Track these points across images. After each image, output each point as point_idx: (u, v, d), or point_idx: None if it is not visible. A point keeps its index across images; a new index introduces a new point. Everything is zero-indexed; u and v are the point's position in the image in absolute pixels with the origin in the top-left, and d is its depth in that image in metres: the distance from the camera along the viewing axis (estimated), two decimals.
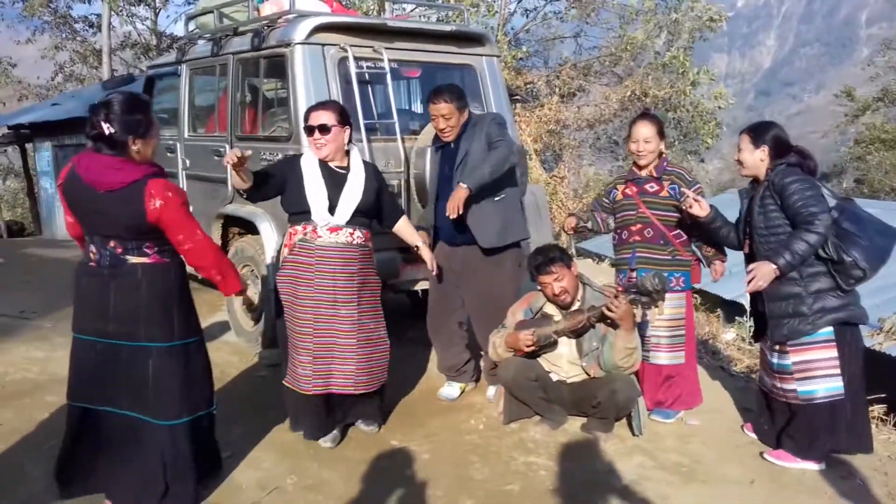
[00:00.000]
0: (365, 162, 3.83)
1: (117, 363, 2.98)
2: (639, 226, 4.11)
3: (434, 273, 4.08)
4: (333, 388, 3.68)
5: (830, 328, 3.56)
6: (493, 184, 3.96)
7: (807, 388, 3.62)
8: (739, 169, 3.81)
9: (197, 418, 3.11)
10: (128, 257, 2.91)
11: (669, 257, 4.08)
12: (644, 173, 4.12)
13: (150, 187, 2.81)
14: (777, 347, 3.69)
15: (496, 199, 4.09)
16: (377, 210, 3.82)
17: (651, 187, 4.10)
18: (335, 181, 3.64)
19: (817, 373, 3.60)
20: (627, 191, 4.17)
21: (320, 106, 3.71)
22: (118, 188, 2.80)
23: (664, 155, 4.15)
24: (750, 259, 3.79)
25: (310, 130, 3.62)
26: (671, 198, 4.05)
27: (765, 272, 3.51)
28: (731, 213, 4.02)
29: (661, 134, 4.10)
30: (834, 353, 3.58)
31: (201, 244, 2.99)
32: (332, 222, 3.61)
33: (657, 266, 4.03)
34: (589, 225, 4.34)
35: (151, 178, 2.84)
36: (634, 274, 4.05)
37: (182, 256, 3.03)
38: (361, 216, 3.68)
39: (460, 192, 3.83)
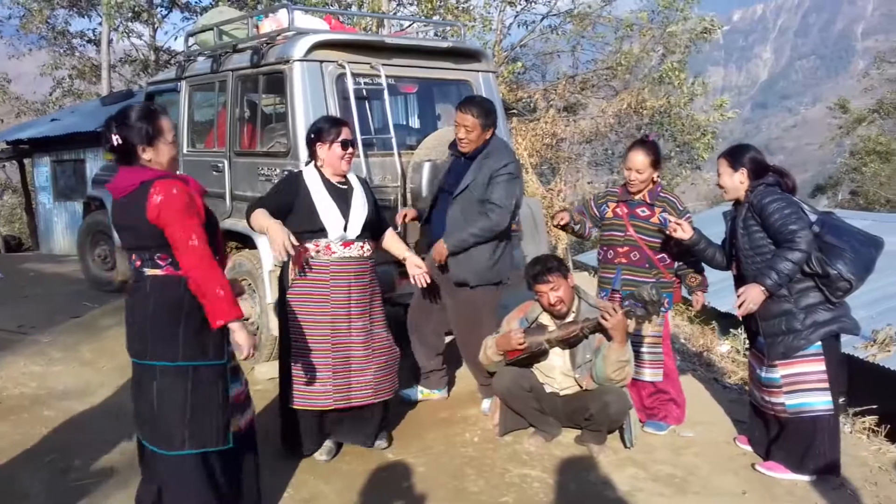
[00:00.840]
0: (357, 176, 3.89)
1: (134, 384, 2.90)
2: (626, 248, 4.15)
3: (421, 283, 4.07)
4: (354, 400, 3.72)
5: (820, 342, 3.60)
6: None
7: (794, 401, 3.65)
8: (722, 193, 3.88)
9: (205, 454, 2.86)
10: (144, 270, 2.80)
11: (653, 280, 4.11)
12: (637, 196, 4.17)
13: (156, 184, 2.70)
14: (767, 361, 3.73)
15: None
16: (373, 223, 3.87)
17: (642, 212, 4.14)
18: (340, 196, 3.69)
19: (805, 386, 3.63)
20: (618, 210, 4.20)
21: (341, 122, 3.77)
22: (129, 192, 2.75)
23: (657, 181, 4.19)
24: (738, 279, 3.84)
25: (345, 144, 3.68)
26: (661, 225, 4.08)
27: (754, 295, 3.57)
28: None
29: (656, 164, 4.13)
30: (822, 366, 3.61)
31: (194, 251, 2.70)
32: (345, 237, 3.66)
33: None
34: (577, 228, 4.30)
35: (163, 178, 2.73)
36: (618, 296, 4.10)
37: None
38: (367, 230, 3.74)
39: (440, 249, 4.10)
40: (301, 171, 3.76)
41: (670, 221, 3.92)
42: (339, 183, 3.72)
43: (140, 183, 2.72)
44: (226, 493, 2.94)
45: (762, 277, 3.54)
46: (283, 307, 3.76)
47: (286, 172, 4.64)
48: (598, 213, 4.31)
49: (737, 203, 3.82)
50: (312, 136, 3.69)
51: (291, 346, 3.69)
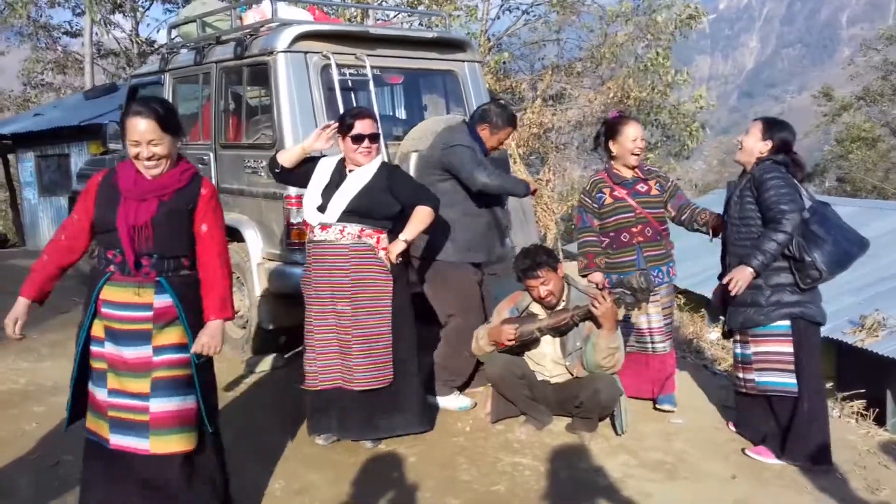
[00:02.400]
0: (383, 163, 3.85)
1: None
2: (640, 226, 4.21)
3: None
4: (339, 382, 3.78)
5: (787, 322, 3.67)
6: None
7: (763, 378, 3.75)
8: (737, 152, 3.87)
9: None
10: None
11: (664, 251, 4.26)
12: (629, 175, 4.22)
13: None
14: (739, 338, 3.82)
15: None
16: (386, 207, 3.74)
17: (641, 188, 4.23)
18: (337, 180, 3.74)
19: (773, 366, 3.72)
20: (616, 193, 4.22)
21: (365, 114, 3.78)
22: None
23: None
24: (723, 246, 3.92)
25: (359, 139, 3.67)
26: (659, 196, 4.23)
27: (743, 276, 3.60)
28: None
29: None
30: (789, 348, 3.68)
31: None
32: (321, 220, 3.70)
33: (660, 262, 4.24)
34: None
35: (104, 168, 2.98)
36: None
37: None
38: (356, 215, 3.68)
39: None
40: (324, 157, 3.83)
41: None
42: (349, 168, 3.77)
43: None
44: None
45: (749, 259, 3.58)
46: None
47: None
48: (596, 204, 4.28)
49: (742, 175, 3.86)
50: (338, 126, 3.74)
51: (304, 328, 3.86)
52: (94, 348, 2.87)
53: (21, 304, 2.90)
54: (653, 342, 4.29)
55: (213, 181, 5.21)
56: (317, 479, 3.54)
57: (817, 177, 31.08)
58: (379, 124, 3.85)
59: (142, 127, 2.74)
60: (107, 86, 14.72)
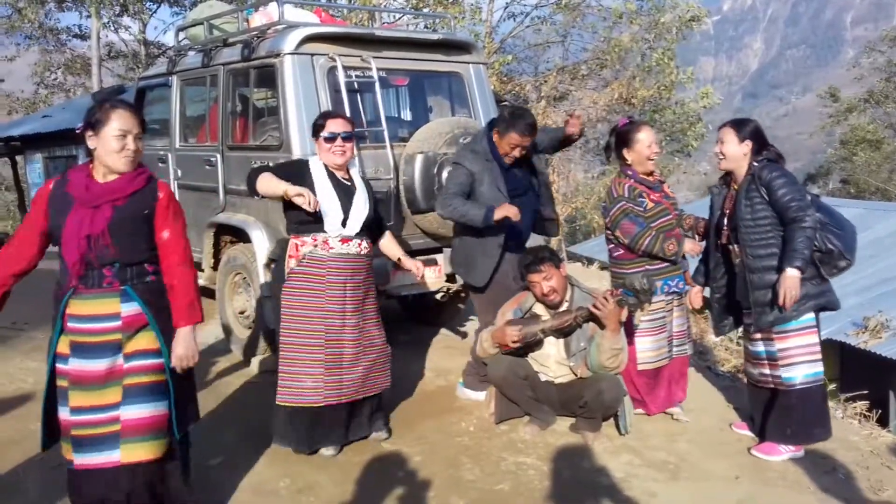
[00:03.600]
0: (361, 175, 3.93)
1: None
2: (677, 229, 4.23)
3: (422, 279, 4.16)
4: (343, 397, 3.71)
5: (812, 314, 3.72)
6: None
7: (789, 374, 3.75)
8: (718, 162, 3.90)
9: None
10: None
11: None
12: (653, 179, 4.21)
13: None
14: (760, 335, 3.82)
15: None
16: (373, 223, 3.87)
17: (672, 190, 4.32)
18: (344, 192, 3.70)
19: (798, 359, 3.74)
20: (653, 198, 4.16)
21: (336, 114, 3.80)
22: None
23: None
24: (724, 251, 3.93)
25: (332, 137, 3.67)
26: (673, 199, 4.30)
27: (792, 284, 3.55)
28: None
29: None
30: (815, 338, 3.74)
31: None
32: (343, 233, 3.66)
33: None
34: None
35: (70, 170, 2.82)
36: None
37: None
38: (366, 227, 3.75)
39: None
40: (308, 160, 3.77)
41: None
42: (343, 178, 3.75)
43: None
44: None
45: (789, 262, 3.54)
46: (278, 301, 3.75)
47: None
48: (641, 209, 4.11)
49: (726, 175, 3.89)
50: (311, 130, 3.76)
51: (285, 342, 3.69)
52: (58, 366, 2.76)
53: None
54: (670, 347, 4.24)
55: (221, 182, 5.25)
56: (321, 478, 3.57)
57: (821, 178, 31.06)
58: (353, 126, 3.82)
59: (130, 119, 2.74)
60: (115, 88, 14.74)
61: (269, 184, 3.57)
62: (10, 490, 3.39)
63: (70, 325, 2.76)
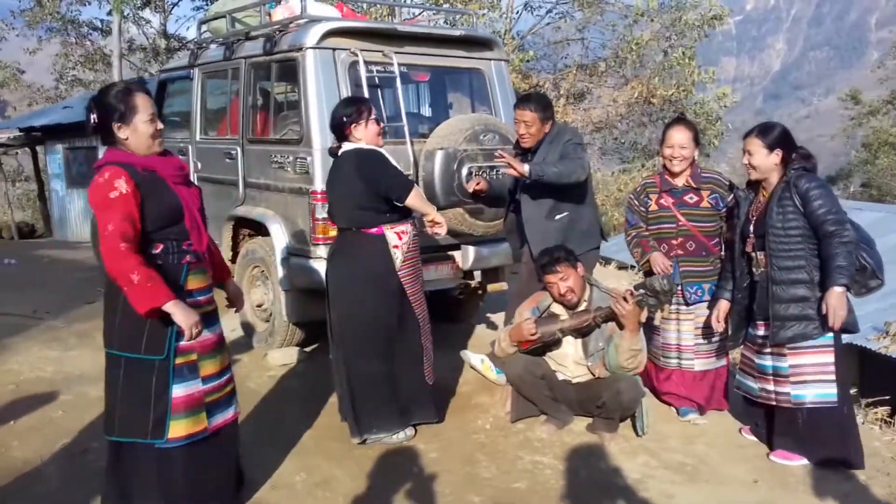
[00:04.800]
0: None
1: None
2: (680, 239, 4.09)
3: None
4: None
5: (832, 333, 3.56)
6: (554, 200, 4.20)
7: (798, 392, 3.62)
8: (749, 172, 3.72)
9: (132, 443, 2.85)
10: None
11: (712, 268, 4.09)
12: (680, 182, 4.09)
13: (102, 170, 2.72)
14: (770, 350, 3.69)
15: (557, 217, 4.24)
16: None
17: (690, 198, 4.06)
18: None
19: (810, 377, 3.60)
20: (662, 201, 4.11)
21: (361, 97, 4.05)
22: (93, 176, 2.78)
23: (696, 162, 4.12)
24: (749, 259, 3.77)
25: (379, 120, 3.89)
26: (713, 209, 4.05)
27: (838, 303, 3.41)
28: None
29: (696, 141, 4.07)
30: (831, 358, 3.59)
31: (104, 241, 2.64)
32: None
33: (703, 278, 4.09)
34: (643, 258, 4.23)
35: (111, 165, 2.72)
36: (680, 289, 4.09)
37: None
38: None
39: (519, 165, 3.95)
40: (378, 150, 3.81)
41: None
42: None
43: (95, 167, 2.79)
44: (181, 489, 2.89)
45: (833, 279, 3.40)
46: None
47: (299, 160, 4.67)
48: (643, 209, 4.21)
49: (751, 183, 3.75)
50: (345, 118, 3.74)
51: (427, 327, 3.98)
52: (180, 344, 2.81)
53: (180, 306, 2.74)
54: (679, 358, 4.22)
55: (241, 175, 5.27)
56: (338, 472, 3.57)
57: (842, 181, 30.72)
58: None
59: (150, 100, 2.86)
60: (136, 80, 14.87)
61: (420, 202, 3.80)
62: (32, 478, 3.42)
63: (194, 299, 2.89)
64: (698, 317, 4.14)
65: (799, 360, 3.61)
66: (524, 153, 4.27)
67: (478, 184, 4.27)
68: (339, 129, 3.79)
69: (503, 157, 3.96)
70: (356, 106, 3.79)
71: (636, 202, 4.26)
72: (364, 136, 3.76)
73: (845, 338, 3.78)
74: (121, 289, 2.67)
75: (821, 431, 3.64)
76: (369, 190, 3.68)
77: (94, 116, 2.77)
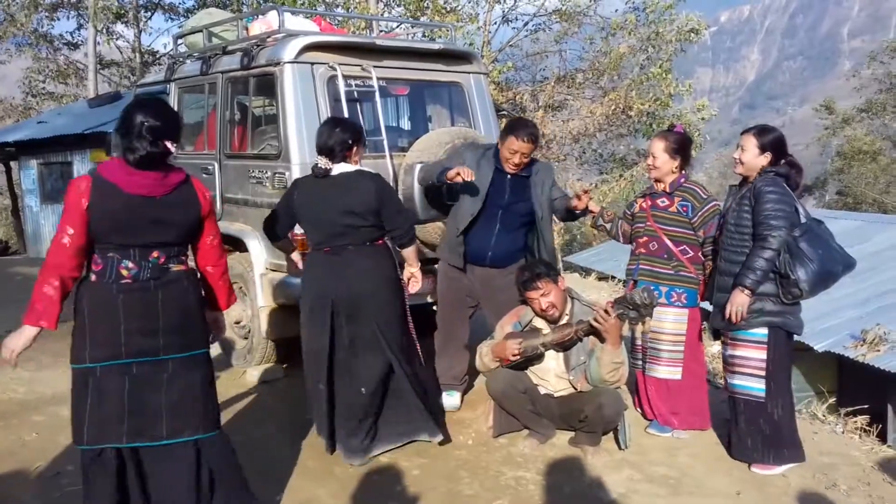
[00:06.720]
0: None
1: (161, 383, 2.85)
2: (645, 238, 4.21)
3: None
4: None
5: (765, 330, 3.73)
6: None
7: (735, 381, 3.86)
8: (735, 166, 3.90)
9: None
10: (171, 266, 2.86)
11: (672, 272, 4.13)
12: (660, 188, 4.21)
13: (196, 184, 2.93)
14: (724, 338, 3.92)
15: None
16: None
17: (662, 202, 4.18)
18: None
19: (740, 369, 3.83)
20: (643, 204, 4.27)
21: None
22: (171, 190, 2.82)
23: (683, 172, 4.18)
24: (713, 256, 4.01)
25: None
26: (679, 214, 4.12)
27: (741, 301, 3.67)
28: None
29: (676, 153, 4.11)
30: (763, 354, 3.76)
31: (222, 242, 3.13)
32: None
33: (658, 280, 4.12)
34: (608, 227, 4.47)
35: (188, 175, 2.94)
36: (634, 284, 4.14)
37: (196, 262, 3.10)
38: None
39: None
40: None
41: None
42: None
43: (180, 181, 2.85)
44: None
45: (741, 279, 3.66)
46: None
47: (278, 174, 4.63)
48: (630, 212, 4.39)
49: (744, 181, 3.88)
50: (350, 140, 3.71)
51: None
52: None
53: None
54: (644, 361, 4.24)
55: (218, 191, 5.22)
56: (320, 492, 3.52)
57: (817, 189, 31.10)
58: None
59: None
60: (111, 94, 14.74)
61: (415, 255, 4.00)
62: (6, 500, 3.34)
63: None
64: (658, 320, 4.10)
65: (735, 351, 3.84)
66: (504, 176, 4.23)
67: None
68: (340, 150, 3.70)
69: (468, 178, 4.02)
70: (357, 129, 3.81)
71: (628, 206, 4.49)
72: (359, 159, 3.80)
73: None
74: (221, 284, 3.20)
75: (760, 429, 3.81)
76: (378, 211, 3.73)
77: (171, 144, 2.80)
